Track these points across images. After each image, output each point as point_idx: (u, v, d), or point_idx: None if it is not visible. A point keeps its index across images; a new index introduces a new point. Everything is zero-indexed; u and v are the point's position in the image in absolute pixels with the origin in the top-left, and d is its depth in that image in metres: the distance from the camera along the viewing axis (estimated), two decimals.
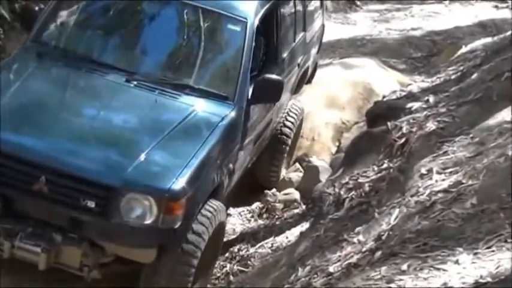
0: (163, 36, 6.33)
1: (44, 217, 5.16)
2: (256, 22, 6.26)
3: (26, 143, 5.19)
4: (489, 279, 3.53)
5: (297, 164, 8.18)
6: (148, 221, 5.03)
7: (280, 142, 7.59)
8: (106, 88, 5.88)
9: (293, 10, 7.41)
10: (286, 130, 7.61)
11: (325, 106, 8.90)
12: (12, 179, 5.09)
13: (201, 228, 5.32)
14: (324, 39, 11.26)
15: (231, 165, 5.94)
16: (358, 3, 14.42)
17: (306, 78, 8.29)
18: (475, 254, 3.81)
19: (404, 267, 3.88)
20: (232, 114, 5.84)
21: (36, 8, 6.41)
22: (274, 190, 7.62)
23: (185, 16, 6.36)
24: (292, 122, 7.65)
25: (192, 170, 5.22)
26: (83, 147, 5.26)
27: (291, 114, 7.66)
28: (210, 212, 5.43)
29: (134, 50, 6.33)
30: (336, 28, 12.67)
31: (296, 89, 7.93)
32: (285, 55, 7.03)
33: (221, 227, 5.72)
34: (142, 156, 5.22)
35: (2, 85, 5.59)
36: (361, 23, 13.39)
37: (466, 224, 4.15)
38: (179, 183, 5.09)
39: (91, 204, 5.04)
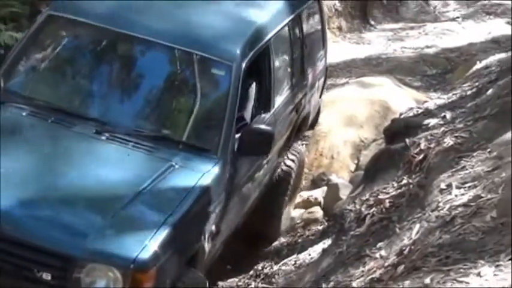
0: (138, 82, 5.68)
1: None
2: (244, 65, 5.52)
3: None
4: None
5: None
6: None
7: (280, 189, 6.91)
8: (73, 141, 5.13)
9: (290, 51, 6.69)
10: (286, 175, 6.92)
11: (343, 124, 8.89)
12: None
13: None
14: (340, 59, 11.43)
15: (213, 227, 5.20)
16: (372, 22, 14.43)
17: (306, 125, 7.61)
18: (497, 266, 3.79)
19: (427, 280, 3.87)
20: (215, 169, 5.15)
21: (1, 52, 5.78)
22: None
23: (162, 59, 5.73)
24: (290, 167, 6.98)
25: (164, 236, 4.53)
26: (38, 210, 4.55)
27: (290, 157, 7.01)
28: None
29: (105, 97, 5.56)
30: (351, 48, 12.73)
31: (296, 136, 7.25)
32: (280, 101, 6.31)
33: None
34: (106, 221, 4.55)
35: None
36: (376, 42, 13.41)
37: (486, 237, 4.13)
38: (148, 251, 4.41)
39: (47, 276, 4.34)
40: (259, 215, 6.59)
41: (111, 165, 5.02)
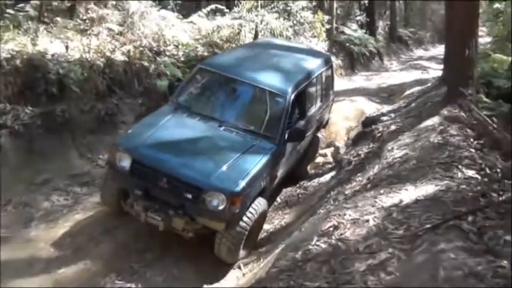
0: (240, 102, 5.26)
1: (165, 200, 4.37)
2: (292, 97, 5.15)
3: (157, 159, 4.37)
4: (422, 198, 3.49)
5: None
6: (220, 208, 4.21)
7: (309, 154, 6.48)
8: (207, 129, 4.81)
9: (316, 88, 6.13)
10: (311, 148, 6.48)
11: (342, 119, 8.72)
12: (149, 178, 4.35)
13: (250, 216, 4.45)
14: (340, 89, 11.08)
15: (274, 174, 4.96)
16: (356, 71, 14.08)
17: (322, 126, 6.93)
18: (416, 186, 3.75)
19: (382, 191, 3.85)
20: (275, 148, 4.83)
21: (176, 83, 5.52)
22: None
23: (252, 91, 5.23)
24: (313, 145, 6.54)
25: (248, 179, 4.33)
26: (188, 162, 4.34)
27: (314, 141, 6.60)
28: (256, 206, 4.52)
29: (224, 109, 5.13)
30: (346, 83, 12.45)
31: (317, 131, 6.62)
32: (309, 114, 5.84)
33: (263, 214, 4.75)
34: (221, 169, 4.32)
35: (151, 124, 4.78)
36: (358, 81, 13.09)
37: (411, 172, 4.08)
38: (240, 186, 4.24)
39: (189, 196, 4.25)
40: (298, 167, 6.19)
41: (225, 142, 4.71)
